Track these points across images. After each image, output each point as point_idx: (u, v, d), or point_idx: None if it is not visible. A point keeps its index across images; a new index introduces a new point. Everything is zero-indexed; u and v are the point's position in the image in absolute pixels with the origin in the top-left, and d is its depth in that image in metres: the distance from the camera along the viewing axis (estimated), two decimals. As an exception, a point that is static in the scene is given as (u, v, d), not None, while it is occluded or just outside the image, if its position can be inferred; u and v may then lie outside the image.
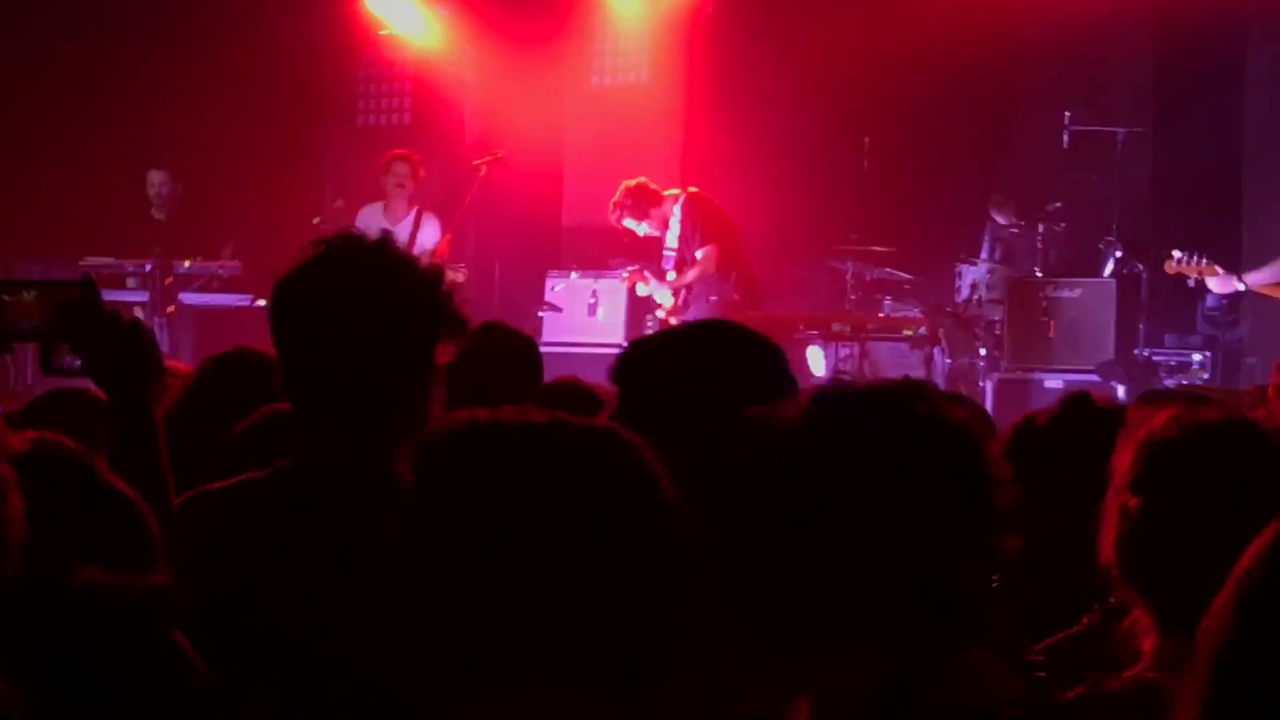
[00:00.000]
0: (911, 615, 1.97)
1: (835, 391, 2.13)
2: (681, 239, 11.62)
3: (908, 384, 2.15)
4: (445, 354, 3.11)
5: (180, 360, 11.71)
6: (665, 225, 11.72)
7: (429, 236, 12.28)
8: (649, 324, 13.20)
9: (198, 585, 2.60)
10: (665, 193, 11.76)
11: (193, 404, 4.01)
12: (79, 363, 3.10)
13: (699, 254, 11.52)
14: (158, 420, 3.16)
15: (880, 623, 1.98)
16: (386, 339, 2.95)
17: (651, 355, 3.04)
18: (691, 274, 11.56)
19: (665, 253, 11.76)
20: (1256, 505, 2.01)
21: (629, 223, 11.69)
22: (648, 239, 11.86)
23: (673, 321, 11.72)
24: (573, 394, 4.16)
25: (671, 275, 11.75)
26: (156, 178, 13.29)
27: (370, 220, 12.39)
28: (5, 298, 2.99)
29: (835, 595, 1.98)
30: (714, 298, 11.47)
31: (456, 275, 12.16)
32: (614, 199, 11.68)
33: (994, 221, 13.32)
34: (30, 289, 3.05)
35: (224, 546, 2.91)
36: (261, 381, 3.73)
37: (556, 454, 1.95)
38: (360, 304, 2.95)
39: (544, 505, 1.90)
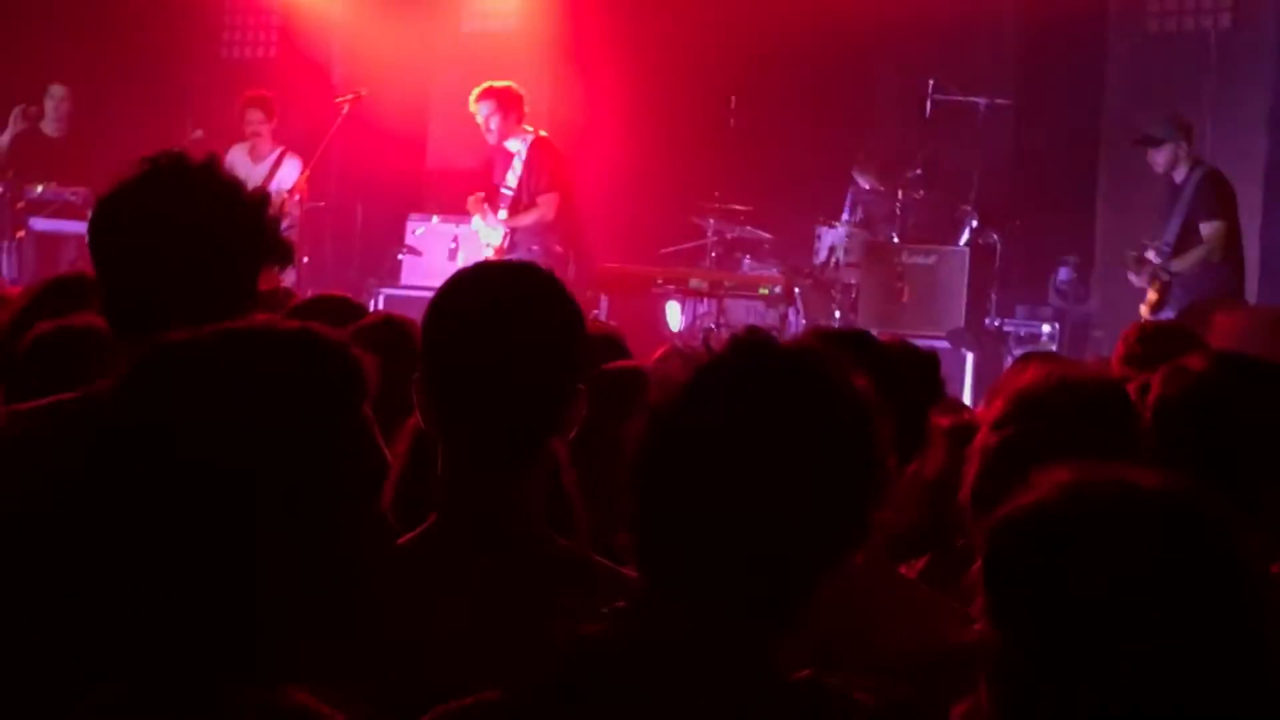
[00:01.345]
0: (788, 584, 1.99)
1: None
2: (523, 180, 11.39)
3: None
4: (269, 280, 3.08)
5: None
6: (508, 161, 11.51)
7: (289, 175, 12.16)
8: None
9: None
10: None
11: (20, 327, 3.93)
12: None
13: (541, 199, 11.33)
14: None
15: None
16: (206, 259, 2.90)
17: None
18: (529, 216, 11.34)
19: (502, 190, 11.49)
20: (1107, 453, 2.07)
21: (492, 117, 11.30)
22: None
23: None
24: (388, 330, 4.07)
25: (503, 214, 11.49)
26: (58, 92, 13.06)
27: (234, 160, 12.26)
28: None
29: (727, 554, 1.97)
30: (535, 247, 11.26)
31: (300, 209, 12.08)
32: (490, 87, 11.36)
33: (855, 185, 13.44)
34: None
35: (42, 472, 2.74)
36: (82, 306, 3.66)
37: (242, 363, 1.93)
38: (180, 222, 2.91)
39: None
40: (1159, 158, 10.70)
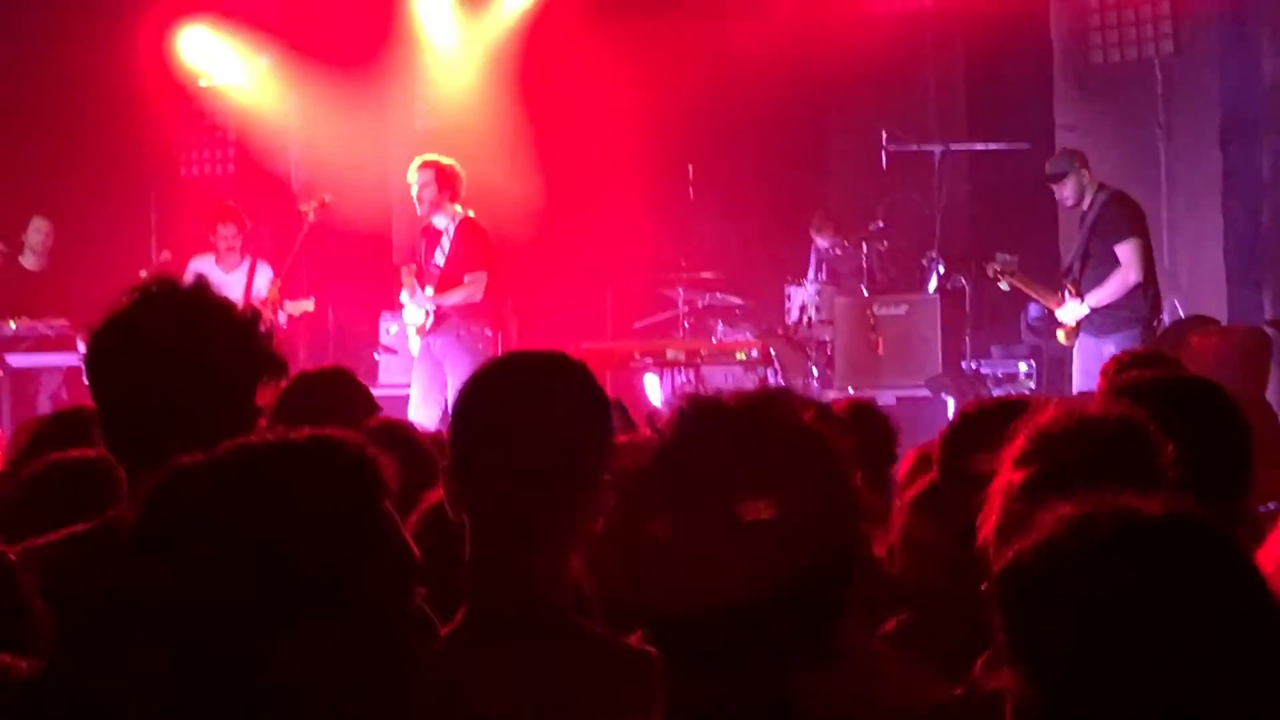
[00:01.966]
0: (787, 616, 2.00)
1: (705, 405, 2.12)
2: (450, 258, 11.15)
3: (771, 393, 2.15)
4: (265, 395, 3.11)
5: (2, 422, 11.58)
6: (436, 239, 11.27)
7: (264, 284, 12.14)
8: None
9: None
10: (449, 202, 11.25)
11: (23, 464, 3.93)
12: None
13: (469, 276, 11.12)
14: None
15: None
16: (204, 382, 2.91)
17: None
18: (457, 294, 11.09)
19: (430, 268, 11.25)
20: (1132, 486, 2.10)
21: (427, 188, 11.04)
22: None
23: (415, 340, 11.28)
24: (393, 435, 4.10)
25: (429, 291, 11.20)
26: (42, 225, 13.09)
27: (202, 269, 12.31)
28: None
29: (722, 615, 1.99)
30: (464, 332, 11.04)
31: (307, 305, 12.02)
32: (432, 160, 11.17)
33: (817, 243, 13.54)
34: None
35: (61, 603, 2.78)
36: (84, 439, 3.68)
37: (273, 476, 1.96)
38: (177, 348, 2.92)
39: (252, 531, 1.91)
40: (1065, 192, 10.82)
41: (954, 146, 12.92)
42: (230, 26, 14.37)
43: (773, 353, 12.59)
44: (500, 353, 11.00)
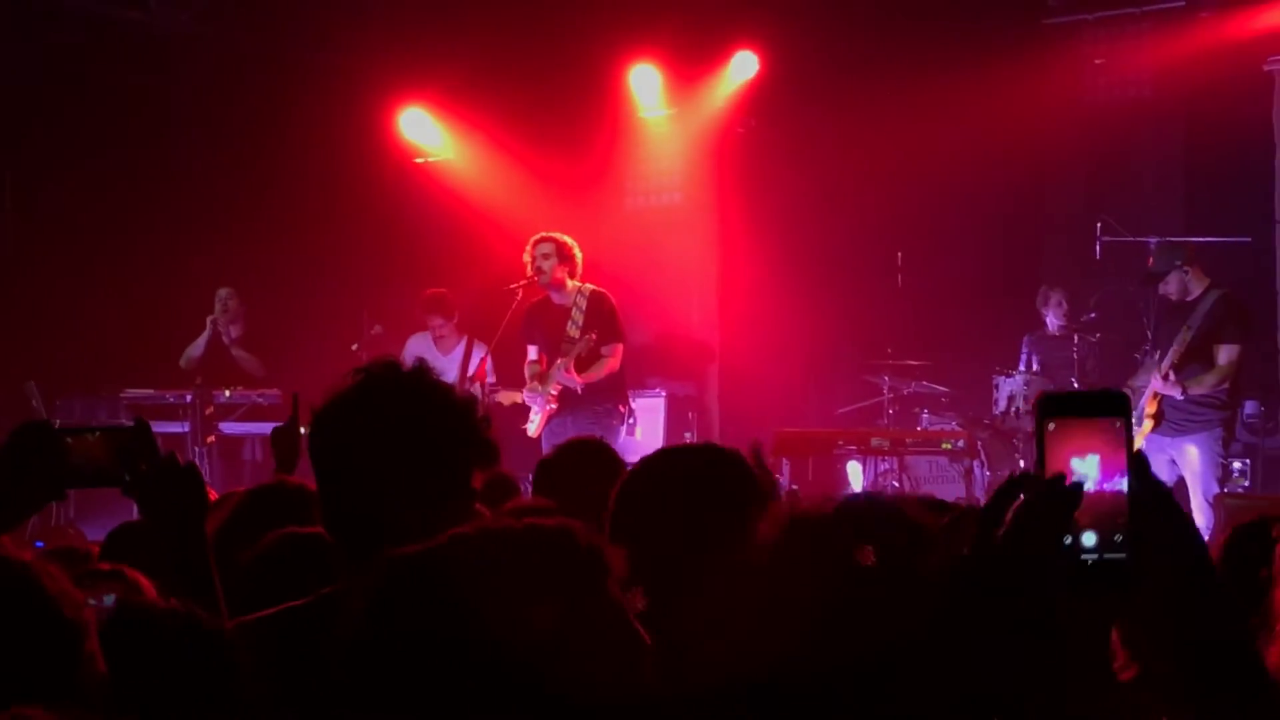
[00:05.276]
0: None
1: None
2: (584, 330, 11.17)
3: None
4: (479, 479, 3.13)
5: (215, 490, 11.79)
6: (559, 314, 11.31)
7: (476, 364, 12.24)
8: (688, 439, 13.20)
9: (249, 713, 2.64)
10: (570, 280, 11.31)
11: (230, 536, 3.97)
12: None
13: (605, 349, 11.13)
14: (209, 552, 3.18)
15: None
16: (423, 465, 2.95)
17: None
18: (600, 368, 11.11)
19: (561, 344, 11.28)
20: None
21: (548, 260, 11.15)
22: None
23: (535, 418, 11.32)
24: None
25: (560, 365, 11.20)
26: (224, 293, 13.38)
27: (419, 349, 12.47)
28: (69, 440, 2.98)
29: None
30: (598, 410, 11.07)
31: (516, 396, 12.11)
32: (552, 234, 11.32)
33: (1033, 335, 13.22)
34: (93, 433, 3.04)
35: (275, 677, 2.86)
36: (301, 514, 3.72)
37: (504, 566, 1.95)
38: (396, 432, 2.96)
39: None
40: (1169, 288, 10.99)
41: (1170, 238, 12.65)
42: (447, 109, 14.62)
43: (979, 443, 12.43)
44: (631, 430, 11.12)
